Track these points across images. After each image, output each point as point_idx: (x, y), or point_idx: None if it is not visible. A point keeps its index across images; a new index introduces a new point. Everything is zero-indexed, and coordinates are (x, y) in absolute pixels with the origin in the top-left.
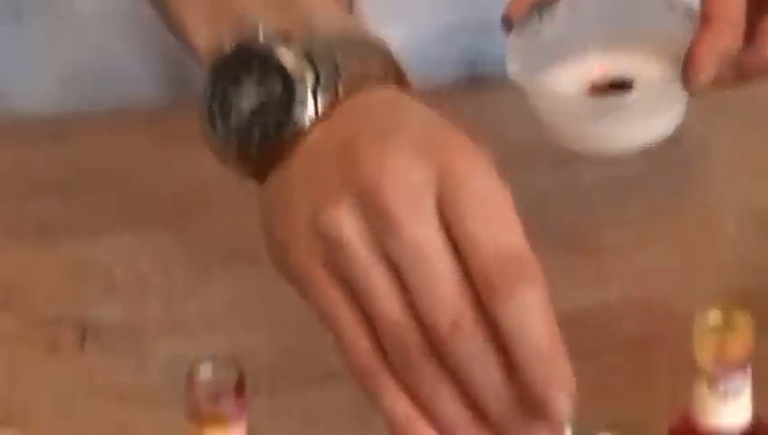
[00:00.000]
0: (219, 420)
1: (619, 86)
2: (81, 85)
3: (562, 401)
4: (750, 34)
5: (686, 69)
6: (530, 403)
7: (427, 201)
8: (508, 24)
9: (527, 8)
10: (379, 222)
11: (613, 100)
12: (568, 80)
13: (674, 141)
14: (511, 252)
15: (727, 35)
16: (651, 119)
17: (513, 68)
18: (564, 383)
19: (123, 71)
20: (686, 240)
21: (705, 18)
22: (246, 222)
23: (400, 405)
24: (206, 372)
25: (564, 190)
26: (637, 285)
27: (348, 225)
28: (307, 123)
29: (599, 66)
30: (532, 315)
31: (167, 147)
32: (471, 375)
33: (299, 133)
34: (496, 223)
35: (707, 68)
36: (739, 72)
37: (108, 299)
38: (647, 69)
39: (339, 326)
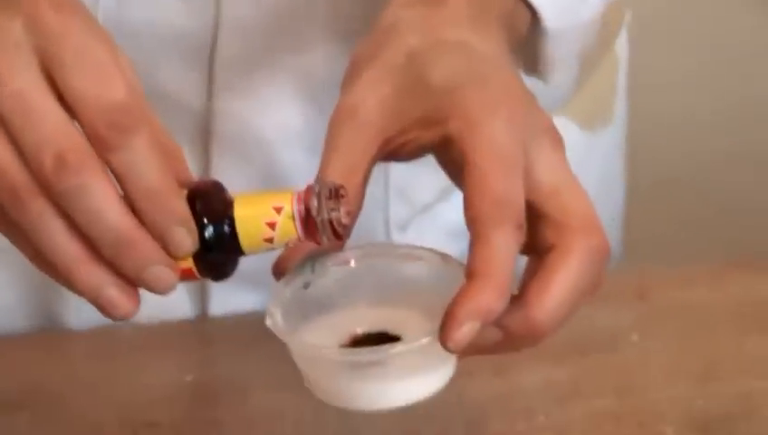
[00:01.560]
0: None
1: (381, 341)
2: None
3: (180, 231)
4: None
5: (442, 328)
6: (154, 241)
7: (23, 53)
8: (279, 272)
9: (300, 259)
10: None
11: (367, 354)
12: (330, 333)
13: (611, 349)
14: (114, 105)
15: (490, 293)
16: (411, 377)
17: (274, 319)
18: (179, 216)
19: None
20: None
21: (468, 274)
22: None
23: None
24: None
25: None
26: None
27: None
28: None
29: (365, 320)
30: (140, 158)
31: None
32: (80, 207)
33: None
34: (97, 77)
35: (464, 328)
36: (505, 333)
37: None
38: (414, 326)
39: None
